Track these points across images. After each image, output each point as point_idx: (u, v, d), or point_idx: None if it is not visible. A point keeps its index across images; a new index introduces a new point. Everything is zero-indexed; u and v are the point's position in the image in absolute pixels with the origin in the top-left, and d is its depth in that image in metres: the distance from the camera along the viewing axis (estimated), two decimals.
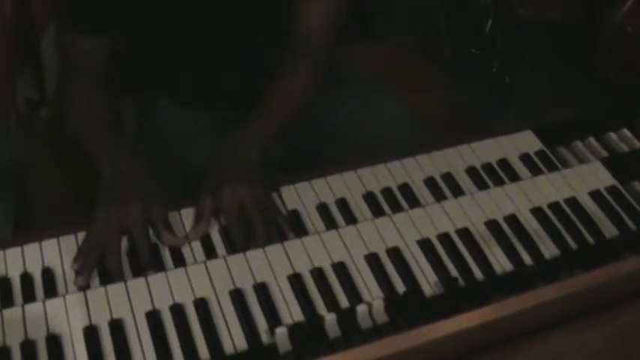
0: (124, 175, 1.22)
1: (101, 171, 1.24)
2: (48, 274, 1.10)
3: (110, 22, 1.33)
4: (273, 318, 1.04)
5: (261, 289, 1.07)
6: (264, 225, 1.16)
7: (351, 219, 1.21)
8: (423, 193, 1.27)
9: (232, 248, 1.15)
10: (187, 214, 1.20)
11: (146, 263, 1.11)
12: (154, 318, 1.03)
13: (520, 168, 1.33)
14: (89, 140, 1.30)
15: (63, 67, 1.41)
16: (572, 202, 1.25)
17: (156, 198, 1.19)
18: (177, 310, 1.04)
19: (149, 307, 1.05)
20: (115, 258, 1.11)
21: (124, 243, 1.15)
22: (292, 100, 1.39)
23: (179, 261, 1.13)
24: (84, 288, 1.08)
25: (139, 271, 1.11)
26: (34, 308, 1.04)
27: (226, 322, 1.03)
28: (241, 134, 1.30)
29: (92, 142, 1.30)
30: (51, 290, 1.08)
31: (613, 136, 1.39)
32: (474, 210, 1.22)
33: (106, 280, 1.10)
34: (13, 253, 1.13)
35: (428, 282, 1.10)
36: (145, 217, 1.16)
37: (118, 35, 1.35)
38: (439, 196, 1.26)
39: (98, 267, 1.11)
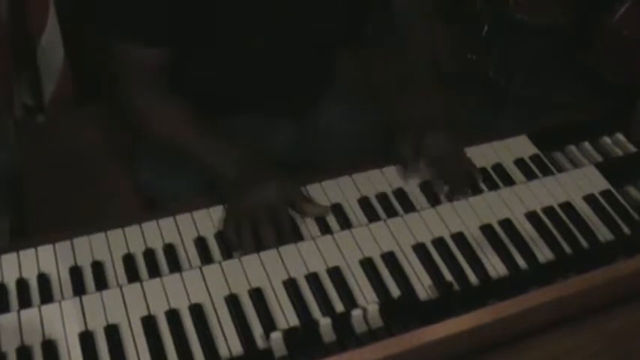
0: (249, 165, 1.26)
1: (223, 169, 1.26)
2: (44, 279, 1.10)
3: (169, 34, 1.31)
4: (269, 323, 1.04)
5: (257, 294, 1.07)
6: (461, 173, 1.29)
7: (346, 224, 1.21)
8: (417, 197, 1.27)
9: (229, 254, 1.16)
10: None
11: (288, 238, 1.16)
12: (149, 323, 1.03)
13: (515, 173, 1.33)
14: (193, 146, 1.31)
15: (121, 79, 1.36)
16: (567, 206, 1.25)
17: (285, 177, 1.24)
18: (173, 316, 1.04)
19: (144, 313, 1.05)
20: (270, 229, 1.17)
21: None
22: (428, 60, 1.46)
23: (174, 266, 1.13)
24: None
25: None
26: (29, 314, 1.04)
27: (222, 327, 1.04)
28: (406, 106, 1.37)
29: (199, 148, 1.30)
30: (47, 296, 1.09)
31: (607, 140, 1.40)
32: (469, 215, 1.22)
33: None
34: (8, 258, 1.13)
35: (423, 286, 1.11)
36: (283, 194, 1.21)
37: (175, 45, 1.33)
38: (434, 201, 1.26)
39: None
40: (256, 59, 1.41)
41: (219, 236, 1.19)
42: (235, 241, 1.16)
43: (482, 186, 1.30)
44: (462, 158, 1.31)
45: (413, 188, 1.28)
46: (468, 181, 1.28)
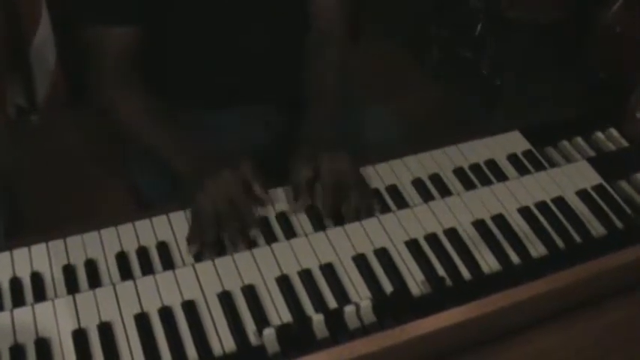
0: (204, 161, 1.25)
1: (178, 164, 1.27)
2: (37, 278, 1.10)
3: (138, 11, 1.32)
4: (261, 319, 1.04)
5: (249, 291, 1.07)
6: (361, 196, 1.21)
7: (338, 220, 1.21)
8: (410, 194, 1.27)
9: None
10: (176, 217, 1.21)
11: (254, 224, 1.17)
12: (142, 321, 1.03)
13: (508, 168, 1.34)
14: (154, 139, 1.32)
15: (92, 65, 1.38)
16: (560, 201, 1.25)
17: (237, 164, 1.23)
18: (166, 313, 1.04)
19: (137, 310, 1.05)
20: (234, 226, 1.16)
21: None
22: (333, 84, 1.44)
23: (167, 264, 1.13)
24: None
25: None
26: (23, 312, 1.04)
27: (214, 324, 1.04)
28: (310, 124, 1.35)
29: (159, 141, 1.31)
30: (40, 294, 1.09)
31: (600, 135, 1.40)
32: (462, 210, 1.22)
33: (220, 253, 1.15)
34: (2, 257, 1.13)
35: (415, 282, 1.11)
36: (240, 180, 1.21)
37: (145, 25, 1.34)
38: (427, 197, 1.26)
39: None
40: (232, 52, 1.43)
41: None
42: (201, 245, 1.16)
43: (475, 182, 1.30)
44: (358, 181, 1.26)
45: (406, 185, 1.29)
46: (365, 204, 1.22)
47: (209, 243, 1.15)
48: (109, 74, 1.35)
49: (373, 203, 1.23)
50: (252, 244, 1.16)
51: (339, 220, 1.20)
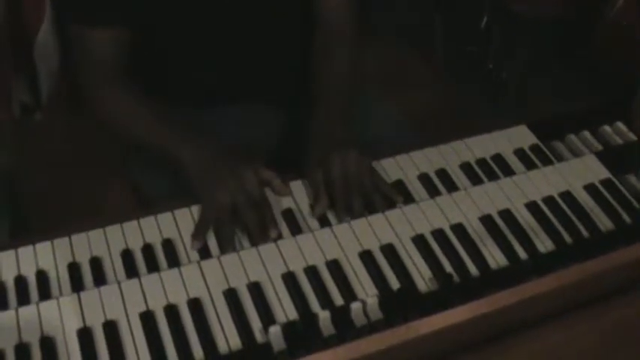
0: (213, 153, 1.25)
1: (183, 159, 1.25)
2: (42, 276, 1.10)
3: (128, 11, 1.32)
4: (267, 317, 1.03)
5: (255, 289, 1.07)
6: (378, 194, 1.22)
7: None
8: (417, 189, 1.26)
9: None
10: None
11: (270, 222, 1.16)
12: (147, 319, 1.03)
13: (514, 163, 1.33)
14: (151, 136, 1.31)
15: (83, 65, 1.38)
16: (567, 195, 1.25)
17: (250, 160, 1.23)
18: (171, 311, 1.04)
19: (143, 308, 1.04)
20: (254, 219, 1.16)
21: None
22: (345, 83, 1.42)
23: (173, 261, 1.13)
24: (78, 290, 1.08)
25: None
26: (28, 311, 1.03)
27: (220, 322, 1.03)
28: (321, 123, 1.33)
29: (157, 138, 1.30)
30: (45, 293, 1.08)
31: (607, 129, 1.39)
32: (469, 205, 1.21)
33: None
34: (7, 256, 1.13)
35: (422, 278, 1.10)
36: (257, 176, 1.20)
37: (135, 25, 1.33)
38: (433, 192, 1.26)
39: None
40: (232, 51, 1.42)
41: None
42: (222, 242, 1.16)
43: (482, 177, 1.29)
44: (376, 180, 1.26)
45: (412, 180, 1.28)
46: (385, 201, 1.22)
47: (225, 238, 1.15)
48: (98, 75, 1.35)
49: (393, 194, 1.23)
50: (279, 237, 1.16)
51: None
